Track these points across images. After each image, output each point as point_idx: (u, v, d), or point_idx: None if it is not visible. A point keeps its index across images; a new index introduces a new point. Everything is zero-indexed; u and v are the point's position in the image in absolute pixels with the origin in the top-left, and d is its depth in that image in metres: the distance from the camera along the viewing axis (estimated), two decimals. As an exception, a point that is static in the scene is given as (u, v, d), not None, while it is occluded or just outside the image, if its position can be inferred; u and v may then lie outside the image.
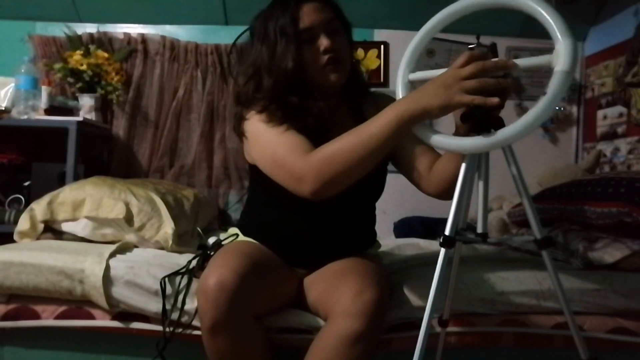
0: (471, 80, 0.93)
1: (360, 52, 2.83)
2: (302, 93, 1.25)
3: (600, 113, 2.67)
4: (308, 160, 1.11)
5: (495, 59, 0.95)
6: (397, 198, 2.66)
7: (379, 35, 2.86)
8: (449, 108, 0.96)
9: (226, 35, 2.81)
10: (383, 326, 1.25)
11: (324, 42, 1.23)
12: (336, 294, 1.15)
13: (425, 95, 0.98)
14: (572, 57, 0.90)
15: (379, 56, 2.84)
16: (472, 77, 0.93)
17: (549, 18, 0.91)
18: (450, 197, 1.02)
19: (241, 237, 1.43)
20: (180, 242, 1.65)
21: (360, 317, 1.09)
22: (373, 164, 1.09)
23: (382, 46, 2.84)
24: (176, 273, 1.39)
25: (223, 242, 1.43)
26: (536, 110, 0.91)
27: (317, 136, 1.18)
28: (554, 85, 0.90)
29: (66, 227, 1.68)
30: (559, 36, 0.90)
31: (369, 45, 2.85)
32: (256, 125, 1.23)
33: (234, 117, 1.33)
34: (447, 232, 0.98)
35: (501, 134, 0.93)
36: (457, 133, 1.10)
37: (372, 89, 1.46)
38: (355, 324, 1.08)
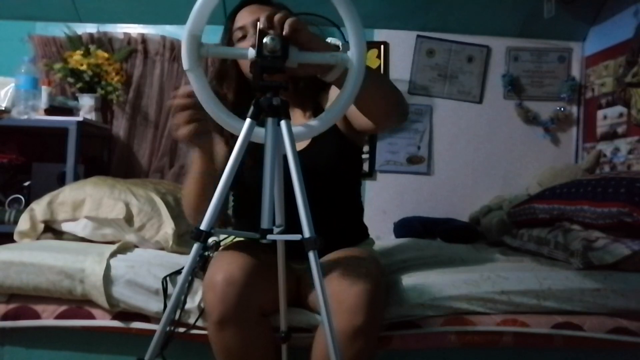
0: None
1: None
2: (246, 90, 1.34)
3: (600, 113, 2.67)
4: None
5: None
6: (397, 198, 2.66)
7: (379, 35, 2.85)
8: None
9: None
10: (383, 318, 1.24)
11: (250, 40, 1.26)
12: (330, 289, 1.15)
13: None
14: None
15: (379, 56, 2.83)
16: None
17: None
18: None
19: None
20: (180, 242, 1.65)
21: (357, 310, 1.08)
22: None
23: (382, 46, 2.84)
24: (177, 272, 1.39)
25: (221, 243, 1.43)
26: None
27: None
28: None
29: (66, 227, 1.68)
30: None
31: (369, 45, 2.81)
32: None
33: None
34: (202, 227, 0.88)
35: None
36: None
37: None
38: (352, 318, 1.07)
